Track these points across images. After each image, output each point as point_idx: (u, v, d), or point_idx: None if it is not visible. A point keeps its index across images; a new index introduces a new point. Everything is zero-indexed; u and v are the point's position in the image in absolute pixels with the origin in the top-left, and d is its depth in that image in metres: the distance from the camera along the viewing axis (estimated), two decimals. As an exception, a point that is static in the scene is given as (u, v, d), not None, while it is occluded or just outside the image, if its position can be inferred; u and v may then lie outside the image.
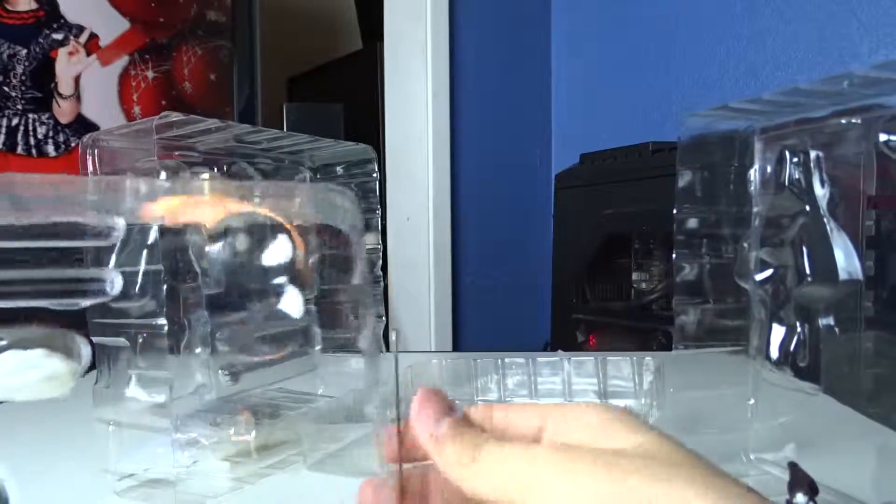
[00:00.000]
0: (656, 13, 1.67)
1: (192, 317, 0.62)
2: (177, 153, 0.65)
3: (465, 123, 1.79)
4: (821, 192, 0.48)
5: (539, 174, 1.96)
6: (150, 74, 1.58)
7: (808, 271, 0.49)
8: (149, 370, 0.51)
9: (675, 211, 0.54)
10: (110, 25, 1.52)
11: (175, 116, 0.57)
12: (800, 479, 0.42)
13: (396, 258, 1.81)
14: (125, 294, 0.40)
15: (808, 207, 0.49)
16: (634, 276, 1.42)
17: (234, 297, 0.64)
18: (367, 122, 1.95)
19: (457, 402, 0.30)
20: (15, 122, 1.40)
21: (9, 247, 0.33)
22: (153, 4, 1.58)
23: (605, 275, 1.49)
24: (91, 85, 1.50)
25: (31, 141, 1.42)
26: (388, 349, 0.80)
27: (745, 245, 0.53)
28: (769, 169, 0.51)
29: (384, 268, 0.78)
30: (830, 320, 0.49)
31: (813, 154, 0.48)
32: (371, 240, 0.77)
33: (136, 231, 0.43)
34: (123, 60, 1.55)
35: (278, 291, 0.64)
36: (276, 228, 0.61)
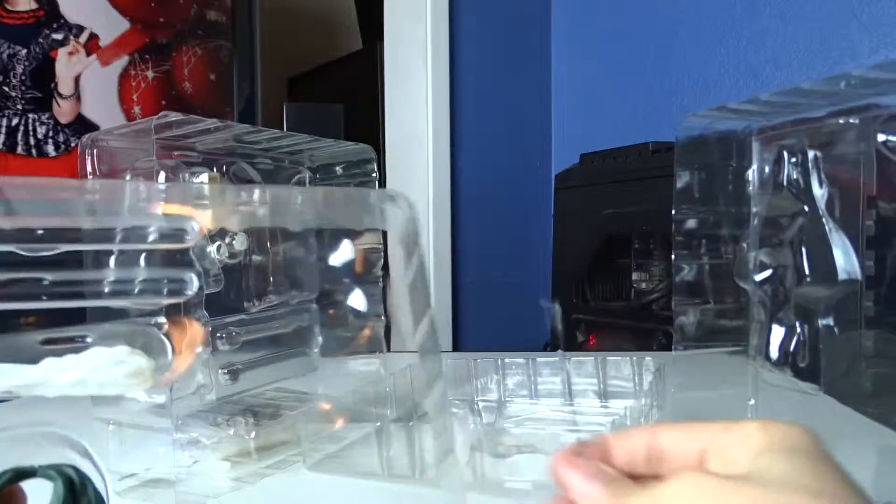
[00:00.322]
0: (656, 13, 1.67)
1: (193, 316, 0.62)
2: (176, 153, 0.65)
3: (465, 123, 1.79)
4: (819, 192, 0.48)
5: (539, 174, 1.96)
6: (150, 74, 1.58)
7: (807, 271, 0.49)
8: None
9: (673, 211, 0.54)
10: (110, 25, 1.52)
11: (174, 116, 0.57)
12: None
13: (396, 258, 1.80)
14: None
15: (806, 207, 0.49)
16: (634, 276, 1.42)
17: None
18: (367, 122, 1.95)
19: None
20: (15, 122, 1.40)
21: (91, 249, 0.34)
22: (153, 4, 1.58)
23: (605, 275, 1.49)
24: (91, 85, 1.50)
25: (31, 141, 1.43)
26: (388, 349, 0.80)
27: (745, 245, 0.53)
28: (767, 169, 0.51)
29: (384, 268, 0.78)
30: (830, 320, 0.49)
31: (811, 154, 0.48)
32: (371, 240, 0.77)
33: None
34: (123, 60, 1.55)
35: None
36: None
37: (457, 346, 1.78)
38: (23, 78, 1.41)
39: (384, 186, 1.83)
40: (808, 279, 0.49)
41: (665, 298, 1.33)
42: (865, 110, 0.45)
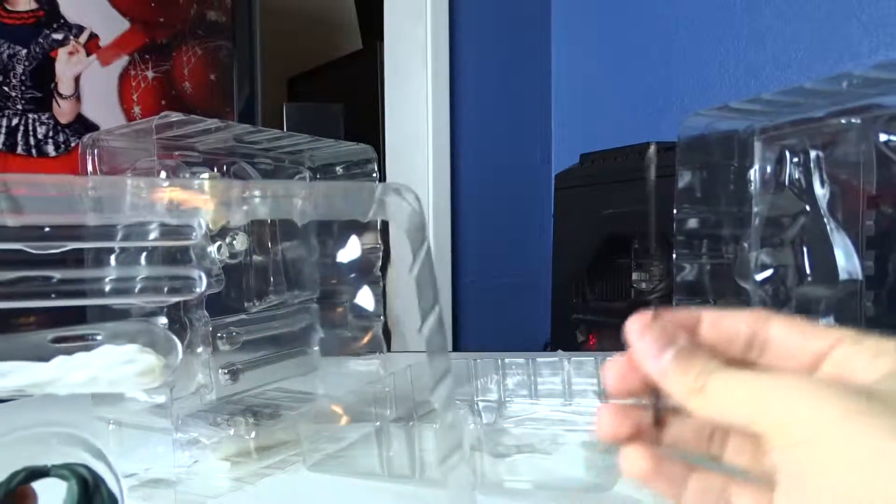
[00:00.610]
0: (656, 13, 1.67)
1: (193, 316, 0.62)
2: (176, 153, 0.65)
3: (465, 123, 1.79)
4: (820, 191, 0.48)
5: (539, 174, 1.96)
6: (150, 74, 1.58)
7: (808, 271, 0.49)
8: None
9: (674, 211, 0.54)
10: (110, 25, 1.52)
11: (175, 116, 0.57)
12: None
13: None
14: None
15: (807, 207, 0.49)
16: (634, 276, 1.41)
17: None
18: (367, 122, 1.95)
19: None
20: (15, 122, 1.40)
21: (104, 247, 0.35)
22: (153, 4, 1.58)
23: (605, 275, 1.49)
24: (91, 85, 1.49)
25: (31, 141, 1.42)
26: (389, 349, 0.80)
27: (745, 245, 0.53)
28: (769, 169, 0.51)
29: (383, 268, 0.78)
30: (830, 320, 0.49)
31: (812, 154, 0.48)
32: (370, 240, 0.77)
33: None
34: (123, 60, 1.55)
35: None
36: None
37: (457, 346, 1.78)
38: (23, 78, 1.41)
39: (384, 186, 1.82)
40: (809, 279, 0.49)
41: (665, 298, 1.33)
42: (867, 110, 0.45)
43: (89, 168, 0.59)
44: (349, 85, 2.21)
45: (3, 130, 1.39)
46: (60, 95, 1.46)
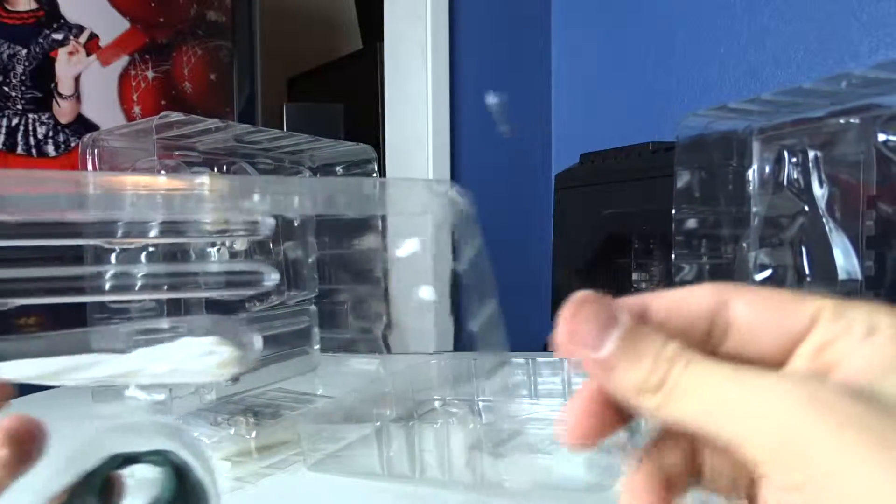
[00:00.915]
0: (656, 13, 1.67)
1: (193, 313, 0.62)
2: (177, 153, 0.65)
3: (465, 123, 1.79)
4: (819, 191, 0.48)
5: (539, 174, 1.96)
6: (150, 74, 1.58)
7: (807, 271, 0.49)
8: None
9: (674, 211, 0.54)
10: (110, 25, 1.52)
11: (175, 116, 0.57)
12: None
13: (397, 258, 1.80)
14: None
15: (806, 207, 0.49)
16: (634, 276, 1.41)
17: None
18: (367, 122, 1.95)
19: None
20: (15, 122, 1.40)
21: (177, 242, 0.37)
22: (153, 4, 1.58)
23: (605, 275, 1.49)
24: (91, 85, 1.50)
25: (31, 141, 1.42)
26: (388, 350, 0.80)
27: (745, 245, 0.53)
28: (768, 169, 0.51)
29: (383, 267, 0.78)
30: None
31: (811, 154, 0.48)
32: (372, 242, 0.77)
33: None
34: (123, 60, 1.55)
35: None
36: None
37: (457, 346, 1.78)
38: (23, 78, 1.41)
39: (384, 186, 1.82)
40: (808, 279, 0.49)
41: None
42: (866, 110, 0.45)
43: (90, 168, 0.60)
44: (349, 85, 2.21)
45: (3, 130, 1.39)
46: (60, 95, 1.46)
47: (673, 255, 0.55)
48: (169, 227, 0.34)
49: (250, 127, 0.66)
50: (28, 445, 0.26)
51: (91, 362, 0.27)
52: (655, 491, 0.21)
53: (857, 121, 0.45)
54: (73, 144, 1.45)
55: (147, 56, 1.57)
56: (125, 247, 0.53)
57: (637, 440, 0.22)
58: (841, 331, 0.19)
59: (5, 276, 0.30)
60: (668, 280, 1.30)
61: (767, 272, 0.52)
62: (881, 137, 0.44)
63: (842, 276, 0.47)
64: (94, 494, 0.27)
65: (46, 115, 1.43)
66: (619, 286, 1.47)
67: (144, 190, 0.28)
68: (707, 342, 0.21)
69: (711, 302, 0.21)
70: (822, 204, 0.48)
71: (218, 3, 1.68)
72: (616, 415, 0.21)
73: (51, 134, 1.44)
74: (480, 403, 0.73)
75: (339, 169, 0.80)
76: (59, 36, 1.45)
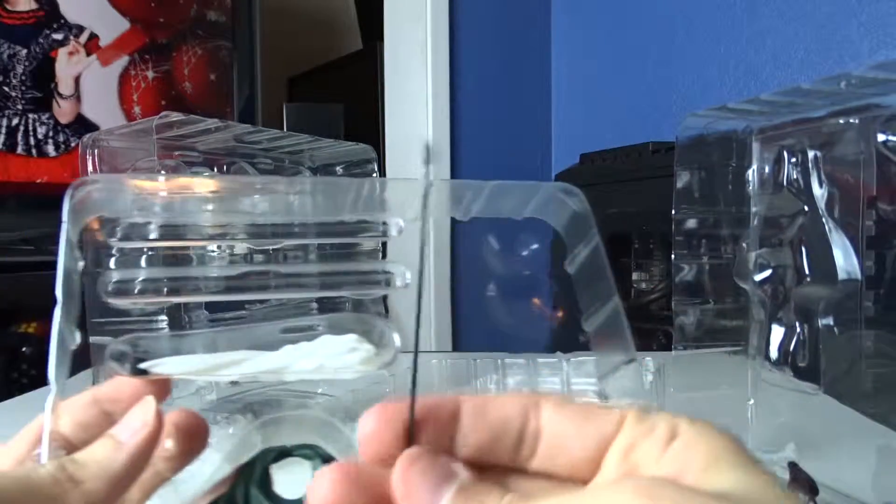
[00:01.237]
0: (656, 13, 1.67)
1: (193, 315, 0.62)
2: (177, 153, 0.65)
3: (465, 123, 1.79)
4: (819, 192, 0.48)
5: (539, 174, 1.96)
6: (150, 74, 1.58)
7: (807, 271, 0.49)
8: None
9: (673, 211, 0.54)
10: (110, 25, 1.52)
11: (175, 116, 0.57)
12: (800, 480, 0.42)
13: (396, 258, 1.81)
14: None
15: (806, 207, 0.49)
16: (634, 276, 1.42)
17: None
18: (367, 122, 1.95)
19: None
20: (15, 122, 1.40)
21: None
22: (153, 4, 1.58)
23: (604, 275, 1.49)
24: (91, 85, 1.50)
25: (31, 141, 1.43)
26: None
27: (744, 245, 0.53)
28: (767, 169, 0.51)
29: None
30: (830, 320, 0.49)
31: (811, 154, 0.48)
32: (372, 243, 0.77)
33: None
34: (123, 60, 1.55)
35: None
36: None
37: (457, 347, 1.78)
38: (23, 78, 1.41)
39: (384, 186, 1.82)
40: (808, 279, 0.49)
41: (665, 298, 1.33)
42: (865, 110, 0.45)
43: (90, 168, 0.60)
44: (349, 85, 2.21)
45: (3, 130, 1.39)
46: (60, 95, 1.46)
47: (673, 255, 0.55)
48: (326, 229, 0.36)
49: (250, 127, 0.66)
50: (192, 439, 0.27)
51: (242, 358, 0.28)
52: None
53: (856, 121, 0.45)
54: (72, 144, 1.46)
55: (147, 56, 1.57)
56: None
57: None
58: (646, 431, 0.20)
59: (161, 275, 0.33)
60: (668, 280, 1.30)
61: (767, 272, 0.52)
62: (881, 137, 0.45)
63: (842, 276, 0.47)
64: (256, 485, 0.28)
65: (46, 115, 1.43)
66: (619, 286, 1.47)
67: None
68: (518, 452, 0.21)
69: (519, 410, 0.21)
70: (821, 204, 0.48)
71: (218, 3, 1.68)
72: None
73: (51, 134, 1.44)
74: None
75: (339, 169, 0.80)
76: (59, 36, 1.45)
